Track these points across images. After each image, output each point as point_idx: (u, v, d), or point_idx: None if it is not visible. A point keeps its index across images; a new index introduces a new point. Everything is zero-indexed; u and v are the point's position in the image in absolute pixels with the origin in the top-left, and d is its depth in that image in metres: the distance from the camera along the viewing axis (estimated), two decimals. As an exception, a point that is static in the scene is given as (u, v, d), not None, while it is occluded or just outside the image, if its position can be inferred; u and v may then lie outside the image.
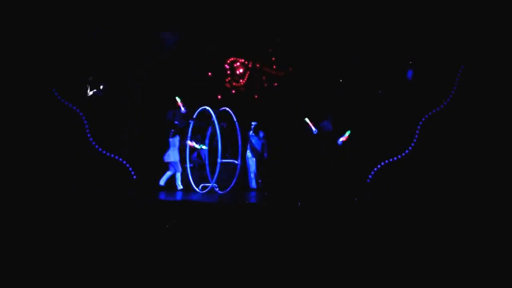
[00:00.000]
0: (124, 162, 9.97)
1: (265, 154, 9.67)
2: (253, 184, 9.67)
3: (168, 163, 9.17)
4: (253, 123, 9.67)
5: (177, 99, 9.32)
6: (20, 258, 4.85)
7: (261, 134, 9.70)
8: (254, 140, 9.60)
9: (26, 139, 9.30)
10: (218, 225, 6.31)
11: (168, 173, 9.22)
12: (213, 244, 5.47)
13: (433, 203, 7.60)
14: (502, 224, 6.13)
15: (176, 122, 9.33)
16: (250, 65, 10.44)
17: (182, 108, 9.29)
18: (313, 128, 9.61)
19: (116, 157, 10.00)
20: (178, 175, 9.23)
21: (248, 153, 9.56)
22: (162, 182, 9.21)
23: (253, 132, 9.63)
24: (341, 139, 9.50)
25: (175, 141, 9.12)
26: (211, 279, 4.43)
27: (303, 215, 6.87)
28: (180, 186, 9.24)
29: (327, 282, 4.46)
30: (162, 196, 8.41)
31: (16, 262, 4.72)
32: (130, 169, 9.98)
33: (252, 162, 9.62)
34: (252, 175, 9.63)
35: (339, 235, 5.91)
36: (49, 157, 9.40)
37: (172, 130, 9.19)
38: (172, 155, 9.08)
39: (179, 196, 8.46)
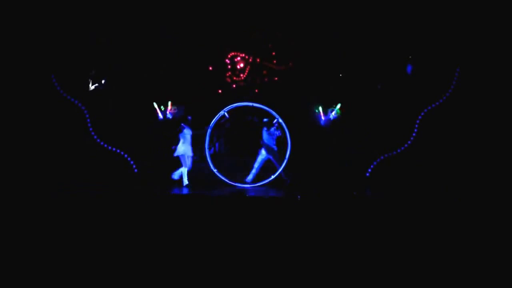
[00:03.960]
0: (126, 155, 10.04)
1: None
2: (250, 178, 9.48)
3: (178, 157, 9.06)
4: (264, 119, 9.51)
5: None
6: (20, 252, 4.90)
7: (272, 129, 9.41)
8: (265, 135, 9.49)
9: (28, 133, 9.36)
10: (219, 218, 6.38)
11: (182, 168, 9.08)
12: (214, 238, 5.55)
13: (432, 197, 7.68)
14: (497, 215, 6.23)
15: (189, 117, 9.27)
16: (250, 60, 10.48)
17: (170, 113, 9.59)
18: (323, 117, 9.68)
19: (118, 151, 10.07)
20: (185, 170, 9.06)
21: (263, 150, 9.37)
22: (175, 176, 9.13)
23: (266, 127, 9.41)
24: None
25: (185, 135, 9.02)
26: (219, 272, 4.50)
27: (303, 208, 6.96)
28: (186, 182, 9.04)
29: (327, 275, 4.53)
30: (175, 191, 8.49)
31: (16, 255, 4.78)
32: (132, 162, 10.05)
33: (261, 157, 9.41)
34: (255, 171, 9.45)
35: (339, 227, 5.99)
36: (50, 150, 9.48)
37: (182, 124, 9.09)
38: (181, 149, 8.98)
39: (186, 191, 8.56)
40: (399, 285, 4.34)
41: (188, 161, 9.02)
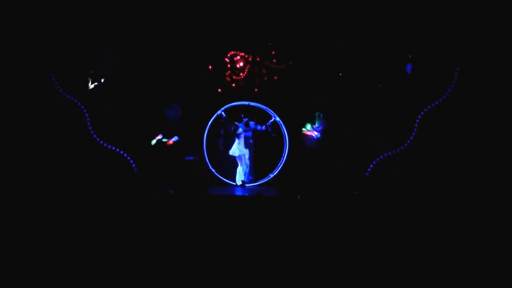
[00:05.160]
0: (125, 154, 10.03)
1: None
2: (247, 178, 9.51)
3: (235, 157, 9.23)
4: (241, 122, 9.55)
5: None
6: (20, 252, 4.92)
7: (251, 125, 9.49)
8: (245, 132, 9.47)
9: (27, 132, 9.36)
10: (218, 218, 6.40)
11: (240, 169, 9.25)
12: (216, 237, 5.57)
13: (431, 197, 7.71)
14: (497, 215, 6.25)
15: (241, 115, 9.40)
16: (250, 59, 10.46)
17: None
18: (314, 135, 9.72)
19: (117, 150, 10.06)
20: (240, 170, 9.22)
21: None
22: (246, 180, 9.26)
23: (244, 125, 9.46)
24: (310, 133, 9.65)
25: (240, 135, 9.15)
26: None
27: (303, 208, 6.97)
28: (238, 182, 9.22)
29: (327, 275, 4.55)
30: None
31: (16, 256, 4.80)
32: (131, 161, 10.05)
33: (245, 155, 9.44)
34: (248, 169, 9.47)
35: (339, 228, 6.01)
36: (50, 150, 9.48)
37: (237, 124, 9.14)
38: (237, 149, 9.13)
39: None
40: (399, 285, 4.36)
41: (245, 161, 9.13)
